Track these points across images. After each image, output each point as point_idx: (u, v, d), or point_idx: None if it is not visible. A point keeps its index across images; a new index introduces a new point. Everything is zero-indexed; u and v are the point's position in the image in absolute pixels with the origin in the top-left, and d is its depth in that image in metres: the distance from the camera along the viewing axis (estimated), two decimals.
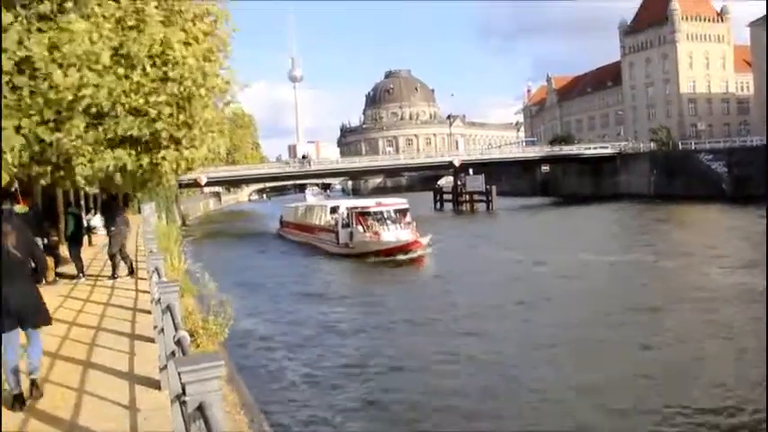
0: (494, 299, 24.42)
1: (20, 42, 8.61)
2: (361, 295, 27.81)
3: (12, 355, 6.26)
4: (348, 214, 39.91)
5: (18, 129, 8.91)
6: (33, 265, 6.88)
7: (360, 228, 38.20)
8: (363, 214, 39.10)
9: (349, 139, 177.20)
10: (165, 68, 10.68)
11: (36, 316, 6.63)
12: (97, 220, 26.77)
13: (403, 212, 39.63)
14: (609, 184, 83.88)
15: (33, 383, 6.55)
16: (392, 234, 36.93)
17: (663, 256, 31.87)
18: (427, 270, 34.24)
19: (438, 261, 36.14)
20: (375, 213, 39.00)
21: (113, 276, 14.95)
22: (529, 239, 43.15)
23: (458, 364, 16.66)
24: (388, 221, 38.26)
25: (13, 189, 9.33)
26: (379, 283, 30.75)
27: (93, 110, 9.71)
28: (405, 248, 36.18)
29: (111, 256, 15.36)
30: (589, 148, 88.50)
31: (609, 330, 19.19)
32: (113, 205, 17.80)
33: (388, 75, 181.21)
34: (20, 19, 8.85)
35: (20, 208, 13.59)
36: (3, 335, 6.17)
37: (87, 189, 11.07)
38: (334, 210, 44.05)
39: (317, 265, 38.00)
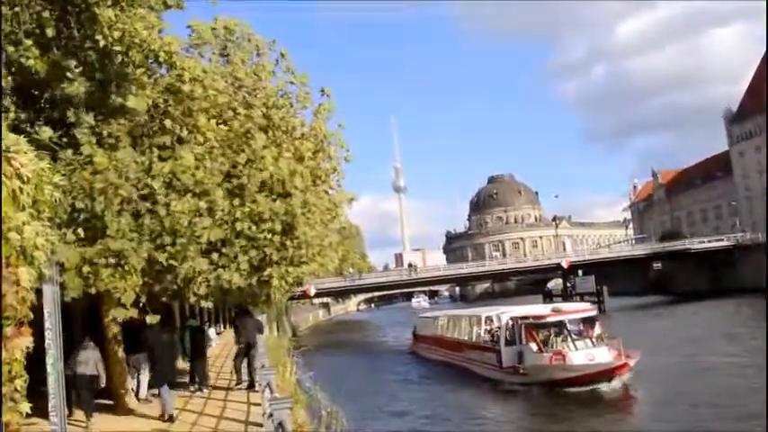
0: None
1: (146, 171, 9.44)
2: None
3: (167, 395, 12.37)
4: (513, 326, 30.17)
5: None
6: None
7: (533, 345, 28.11)
8: (536, 326, 28.90)
9: (454, 245, 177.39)
10: (273, 195, 11.23)
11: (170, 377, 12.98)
12: (212, 332, 27.86)
13: (591, 322, 29.35)
14: (728, 277, 79.52)
15: (171, 416, 12.08)
16: (584, 354, 26.65)
17: None
18: (643, 409, 24.16)
19: (648, 389, 25.60)
20: (552, 325, 28.72)
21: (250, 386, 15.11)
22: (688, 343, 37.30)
23: None
24: (574, 335, 27.96)
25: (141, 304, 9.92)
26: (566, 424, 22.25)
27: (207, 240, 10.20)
28: (606, 374, 25.84)
29: (250, 366, 15.51)
30: (703, 242, 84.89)
31: None
32: (247, 318, 16.51)
33: (491, 180, 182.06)
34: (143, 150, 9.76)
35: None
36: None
37: (203, 303, 11.69)
38: (489, 320, 34.22)
39: (470, 396, 28.69)
